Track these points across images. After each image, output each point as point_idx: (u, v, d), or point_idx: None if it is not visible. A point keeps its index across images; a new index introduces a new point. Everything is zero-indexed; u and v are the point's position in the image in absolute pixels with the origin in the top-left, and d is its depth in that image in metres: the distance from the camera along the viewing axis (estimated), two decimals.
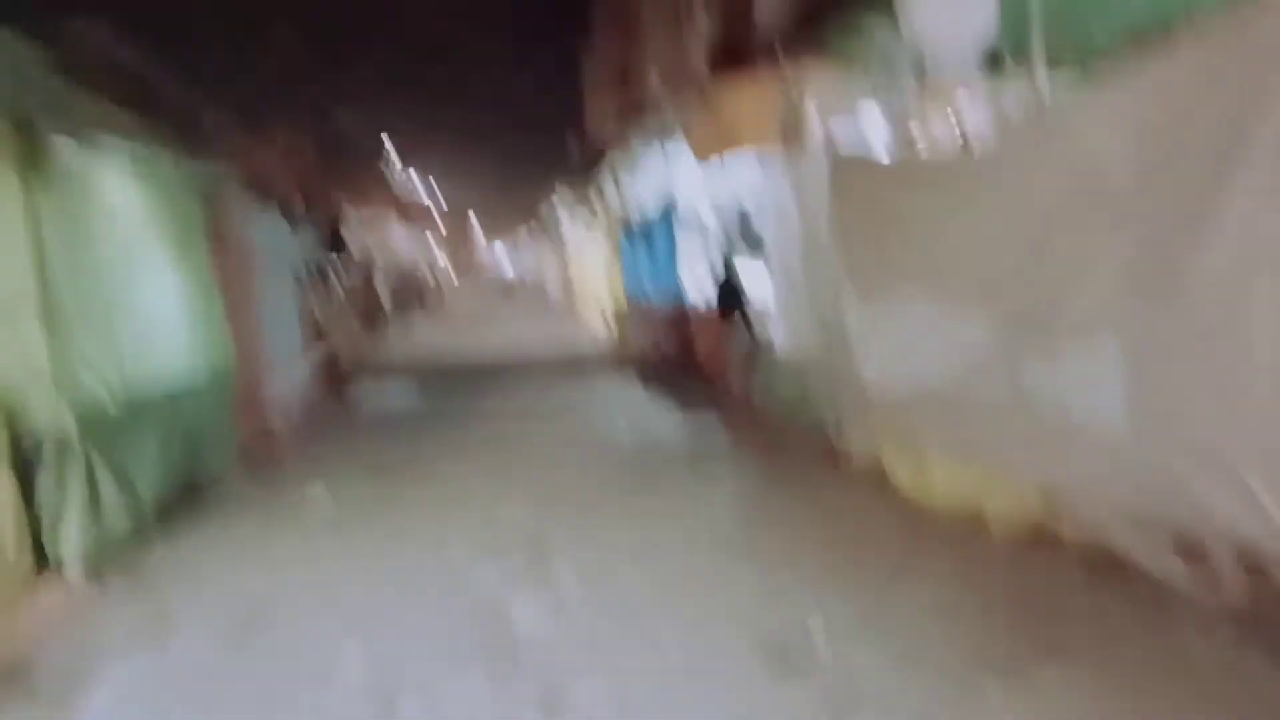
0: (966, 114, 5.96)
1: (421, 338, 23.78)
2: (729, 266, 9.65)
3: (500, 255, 72.78)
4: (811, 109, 6.96)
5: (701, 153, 8.70)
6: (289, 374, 10.93)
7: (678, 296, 12.45)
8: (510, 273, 62.28)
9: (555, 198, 27.40)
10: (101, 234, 6.21)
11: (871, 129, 6.83)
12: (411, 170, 57.13)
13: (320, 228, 17.92)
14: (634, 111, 35.12)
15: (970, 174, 4.88)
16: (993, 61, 5.51)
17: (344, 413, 11.41)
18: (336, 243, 17.85)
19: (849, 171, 6.29)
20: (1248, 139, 3.18)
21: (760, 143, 7.59)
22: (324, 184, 27.27)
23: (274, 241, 10.96)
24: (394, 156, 51.98)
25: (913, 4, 5.09)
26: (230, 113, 16.51)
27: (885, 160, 6.10)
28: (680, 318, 12.50)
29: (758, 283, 9.06)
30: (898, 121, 6.42)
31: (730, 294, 9.52)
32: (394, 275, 34.91)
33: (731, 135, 7.79)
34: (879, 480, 6.08)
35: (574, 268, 26.27)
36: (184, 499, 6.89)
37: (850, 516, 5.57)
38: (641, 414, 9.63)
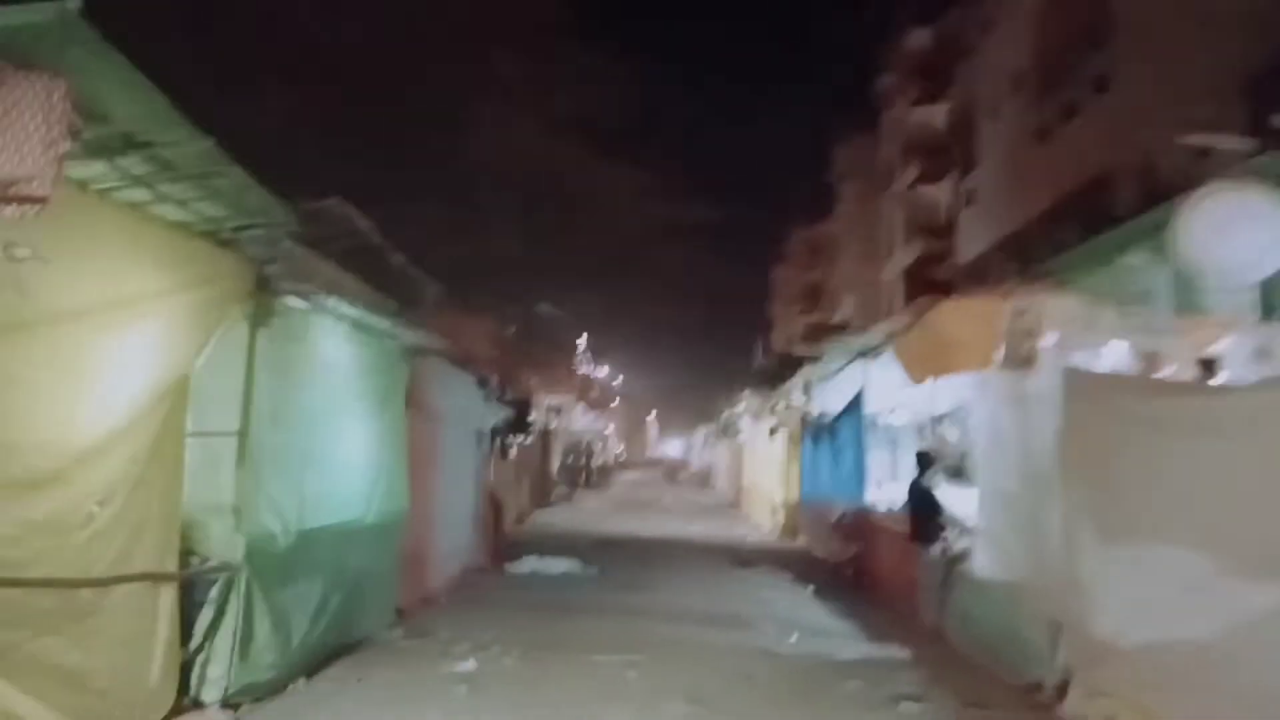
0: (1231, 357, 5.37)
1: (587, 514, 23.75)
2: (926, 480, 9.06)
3: (672, 447, 73.43)
4: (1045, 336, 6.54)
5: (916, 373, 8.39)
6: (457, 534, 10.97)
7: (861, 501, 11.80)
8: (679, 461, 62.41)
9: (737, 400, 27.55)
10: (310, 383, 6.49)
11: (1115, 364, 6.30)
12: (601, 361, 59.82)
13: (509, 403, 18.60)
14: (825, 328, 35.49)
15: (1255, 420, 4.26)
16: (1271, 301, 4.97)
17: (502, 581, 11.27)
18: (522, 418, 18.35)
19: (1093, 393, 5.74)
20: None
21: (977, 365, 7.24)
22: (519, 363, 28.69)
23: (465, 409, 11.30)
24: (586, 346, 54.72)
25: (1188, 232, 4.66)
26: (446, 288, 17.75)
27: (1140, 385, 5.53)
28: (862, 523, 11.78)
29: (958, 502, 8.40)
30: (1147, 360, 5.88)
31: (928, 507, 8.88)
32: (569, 453, 35.77)
33: (948, 356, 7.48)
34: None
35: (747, 464, 25.88)
36: (337, 644, 6.79)
37: None
38: (811, 627, 8.89)
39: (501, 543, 14.04)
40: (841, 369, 13.30)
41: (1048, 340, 6.72)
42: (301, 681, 6.06)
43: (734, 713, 5.99)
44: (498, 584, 11.11)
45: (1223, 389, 4.82)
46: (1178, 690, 4.59)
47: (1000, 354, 7.09)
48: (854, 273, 42.68)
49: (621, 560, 13.75)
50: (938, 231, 32.46)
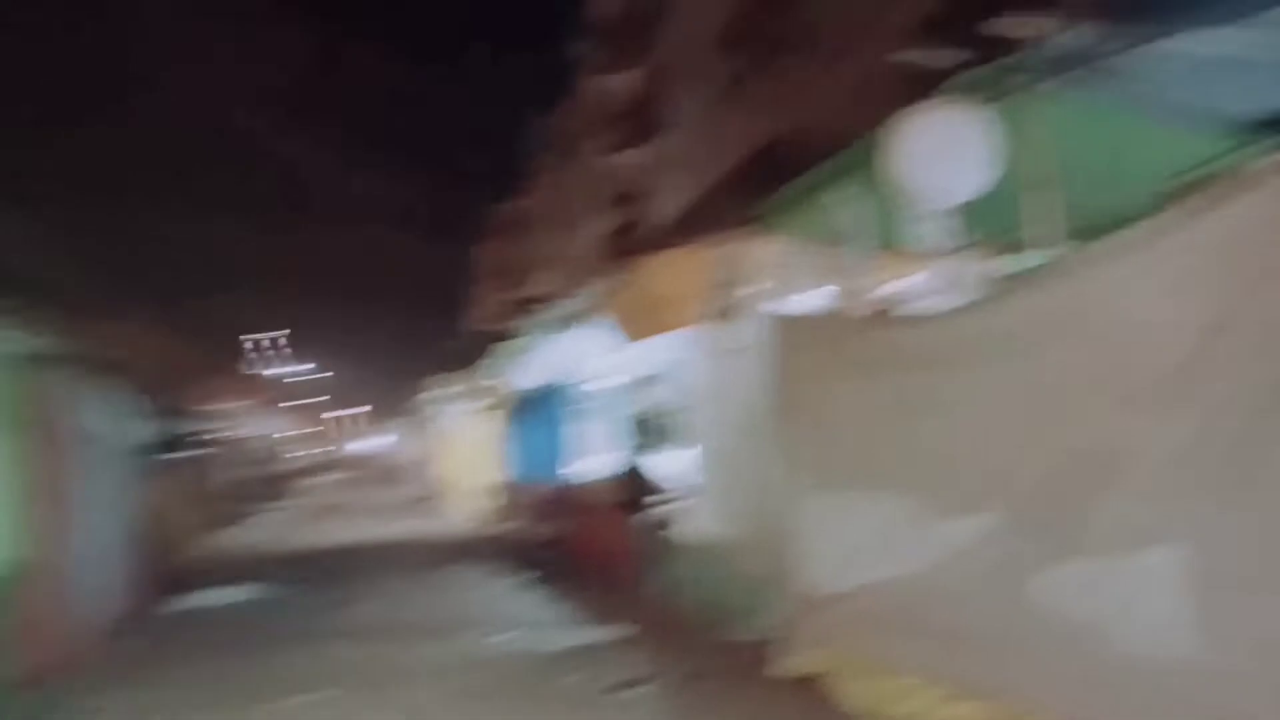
0: (927, 289, 5.30)
1: (278, 527, 21.55)
2: (640, 449, 8.70)
3: (374, 443, 69.97)
4: (750, 285, 6.27)
5: (632, 332, 7.94)
6: (104, 577, 9.10)
7: (566, 478, 11.33)
8: (383, 459, 59.55)
9: (436, 385, 26.32)
10: None
11: (822, 307, 6.13)
12: (297, 356, 55.58)
13: (172, 415, 16.23)
14: (523, 302, 35.05)
15: (964, 348, 4.08)
16: (980, 232, 4.90)
17: (171, 622, 9.56)
18: (189, 430, 16.07)
19: (797, 340, 5.50)
20: None
21: (690, 321, 6.91)
22: (186, 369, 25.43)
23: (108, 427, 9.39)
24: (278, 342, 50.61)
25: (893, 157, 4.41)
26: (85, 286, 15.05)
27: (845, 325, 5.33)
28: (568, 500, 11.31)
29: (674, 468, 8.09)
30: (850, 299, 5.71)
31: (639, 475, 8.51)
32: (253, 462, 32.57)
33: (660, 313, 7.13)
34: (820, 695, 4.99)
35: (450, 451, 24.82)
36: None
37: None
38: (530, 620, 8.27)
39: (170, 575, 12.09)
40: (544, 341, 12.78)
41: (753, 289, 6.50)
42: None
43: None
44: (165, 627, 9.40)
45: (929, 321, 4.72)
46: (893, 633, 4.57)
47: (709, 306, 6.82)
48: (553, 245, 42.55)
49: (316, 576, 12.37)
50: (635, 198, 32.91)
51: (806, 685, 5.20)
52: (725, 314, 6.73)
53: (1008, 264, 5.16)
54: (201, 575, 13.23)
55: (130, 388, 10.63)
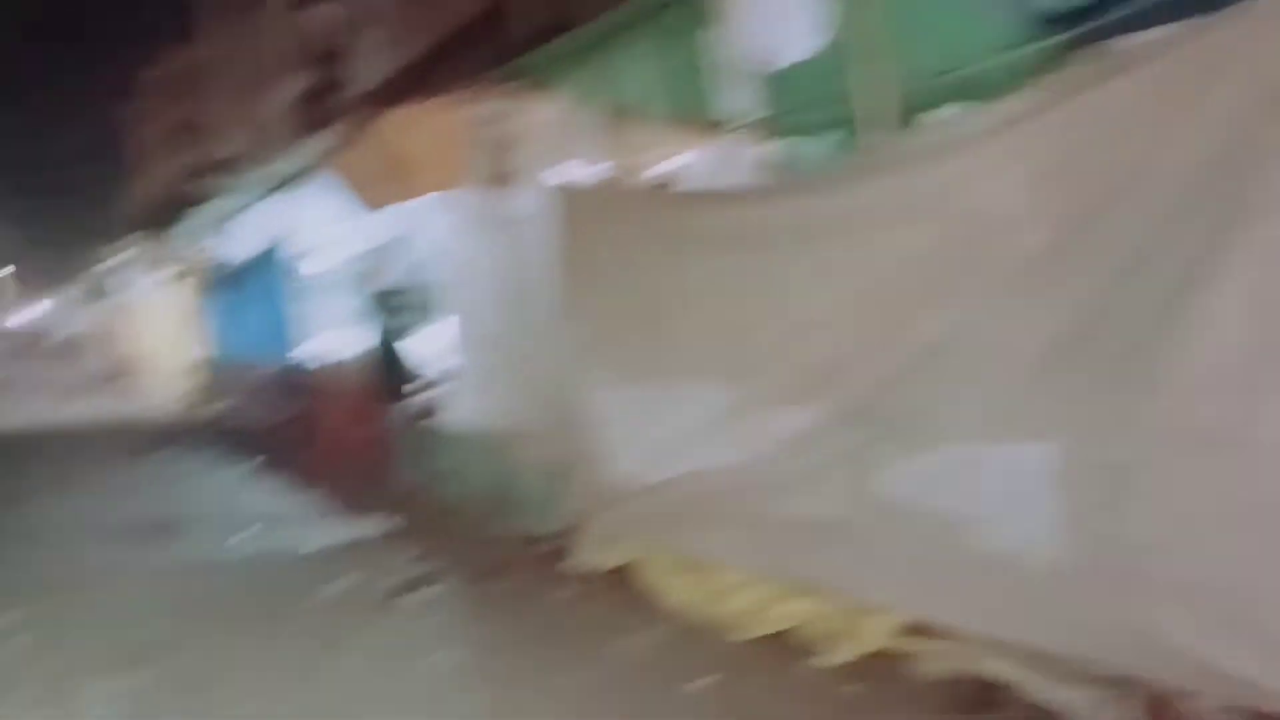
0: (736, 165, 4.99)
1: None
2: (389, 329, 7.93)
3: (32, 314, 60.72)
4: (523, 148, 5.63)
5: (370, 198, 6.97)
6: None
7: (291, 358, 10.28)
8: (52, 332, 51.81)
9: (116, 251, 23.06)
10: None
11: (603, 177, 5.62)
12: None
13: None
14: (211, 165, 31.17)
15: (788, 229, 3.81)
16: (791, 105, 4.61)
17: None
18: None
19: (586, 212, 5.01)
20: (1260, 177, 2.46)
21: (443, 185, 6.14)
22: None
23: None
24: None
25: (715, 17, 3.97)
26: None
27: (645, 199, 4.93)
28: (300, 382, 10.30)
29: (431, 349, 7.44)
30: (628, 172, 5.29)
31: (390, 355, 7.80)
32: None
33: (407, 176, 6.21)
34: (626, 592, 4.82)
35: (134, 326, 22.02)
36: None
37: (602, 635, 4.29)
38: (267, 516, 7.41)
39: None
40: (250, 206, 11.30)
41: (526, 154, 5.93)
42: None
43: (195, 670, 4.36)
44: None
45: (746, 198, 4.45)
46: (716, 527, 4.37)
47: (470, 171, 6.16)
48: (235, 105, 37.78)
49: None
50: (332, 57, 29.72)
51: (611, 582, 4.94)
52: (491, 180, 6.10)
53: (817, 142, 5.01)
54: None
55: None
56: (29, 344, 46.82)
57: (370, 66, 25.23)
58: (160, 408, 16.27)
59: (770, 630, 4.06)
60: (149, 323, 19.29)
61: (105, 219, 35.49)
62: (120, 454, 10.99)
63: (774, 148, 4.94)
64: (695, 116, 5.10)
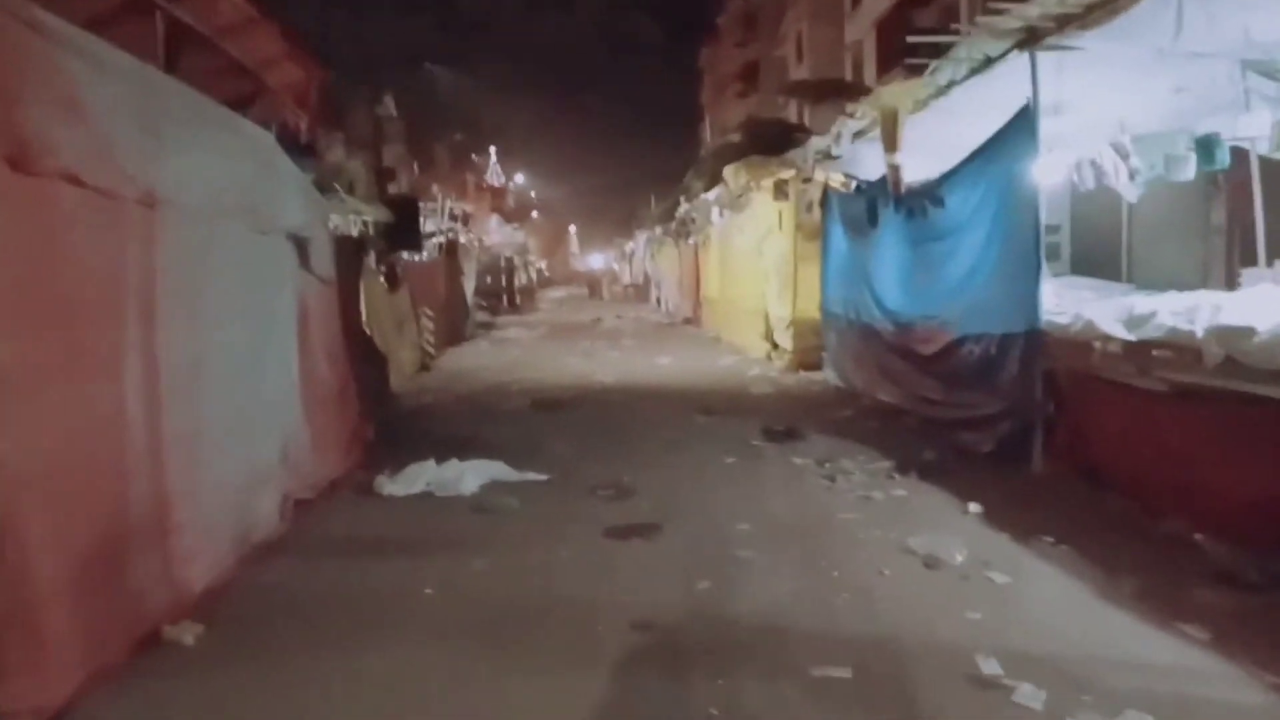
0: None
1: (513, 349, 18.17)
2: None
3: (595, 260, 67.06)
4: None
5: None
6: (256, 457, 5.28)
7: (1030, 320, 6.38)
8: (606, 273, 56.23)
9: (694, 192, 21.70)
10: None
11: None
12: (512, 171, 52.24)
13: (387, 201, 12.58)
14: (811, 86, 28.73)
15: None
16: None
17: (373, 521, 5.78)
18: (410, 222, 12.30)
19: None
20: None
21: None
22: (403, 148, 21.95)
23: (250, 191, 5.31)
24: (495, 157, 47.36)
25: None
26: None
27: None
28: (1051, 357, 6.40)
29: None
30: None
31: None
32: (486, 273, 29.70)
33: None
34: None
35: (714, 269, 20.32)
36: None
37: None
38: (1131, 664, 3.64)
39: (385, 419, 8.49)
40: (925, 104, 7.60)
41: None
42: None
43: None
44: (360, 537, 5.62)
45: None
46: None
47: None
48: (806, 37, 35.89)
49: (581, 436, 8.37)
50: None
51: None
52: None
53: None
54: (430, 416, 9.72)
55: (291, 128, 6.53)
56: (597, 285, 50.74)
57: None
58: (752, 365, 13.74)
59: None
60: (736, 266, 17.15)
61: (675, 165, 35.90)
62: (746, 439, 8.10)
63: None
64: None
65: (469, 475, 6.65)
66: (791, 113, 31.71)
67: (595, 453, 7.72)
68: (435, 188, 24.60)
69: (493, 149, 48.42)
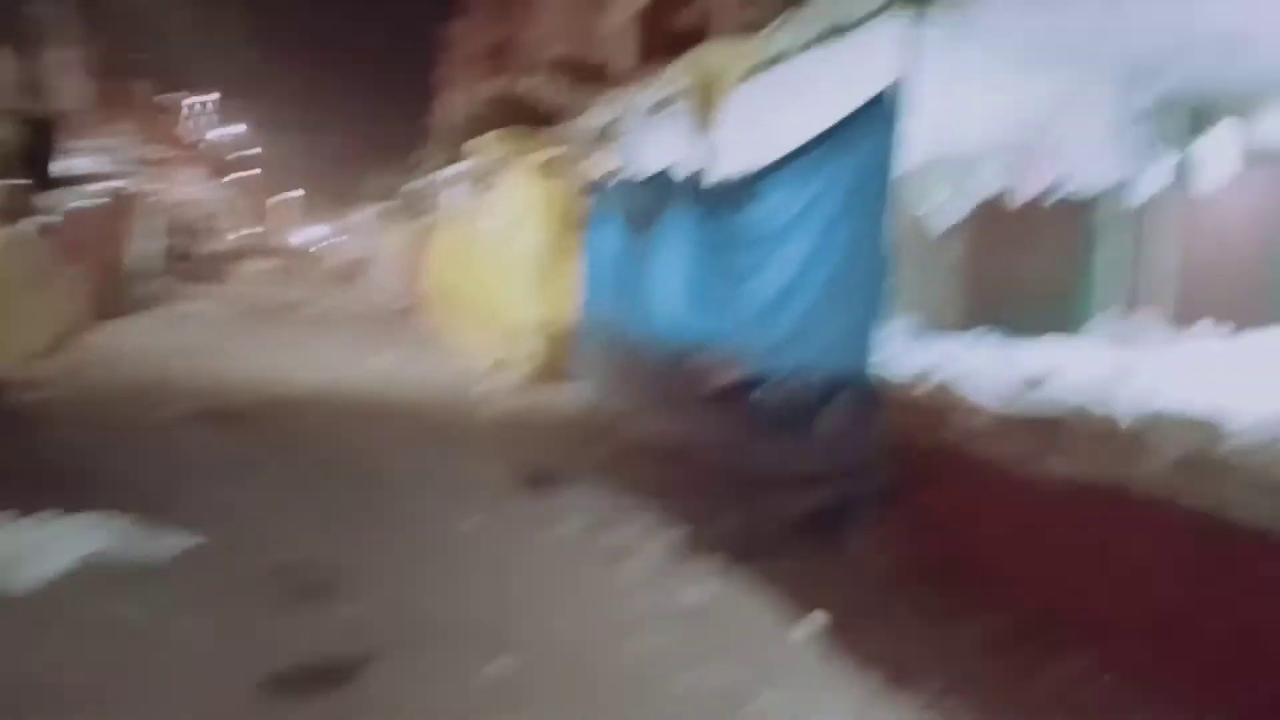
0: None
1: (195, 326, 14.93)
2: None
3: (316, 233, 61.42)
4: None
5: None
6: None
7: (864, 366, 5.01)
8: (335, 254, 51.26)
9: (428, 168, 19.37)
10: None
11: None
12: (231, 122, 46.26)
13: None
14: (583, 67, 26.95)
15: None
16: None
17: None
18: (42, 152, 9.14)
19: None
20: None
21: None
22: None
23: None
24: (208, 104, 41.64)
25: None
26: None
27: None
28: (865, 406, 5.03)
29: None
30: None
31: None
32: (174, 232, 25.35)
33: None
34: None
35: (445, 256, 18.09)
36: None
37: None
38: None
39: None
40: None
41: None
42: None
43: None
44: None
45: None
46: None
47: None
48: (560, 24, 34.33)
49: (264, 469, 6.07)
50: None
51: None
52: None
53: None
54: (17, 441, 6.73)
55: None
56: (307, 265, 45.77)
57: None
58: (480, 373, 11.73)
59: None
60: (472, 255, 15.04)
61: (411, 137, 33.03)
62: (501, 489, 6.19)
63: None
64: None
65: (58, 544, 4.23)
66: (548, 95, 30.04)
67: (281, 501, 5.49)
68: (122, 125, 20.34)
69: (210, 96, 42.54)
